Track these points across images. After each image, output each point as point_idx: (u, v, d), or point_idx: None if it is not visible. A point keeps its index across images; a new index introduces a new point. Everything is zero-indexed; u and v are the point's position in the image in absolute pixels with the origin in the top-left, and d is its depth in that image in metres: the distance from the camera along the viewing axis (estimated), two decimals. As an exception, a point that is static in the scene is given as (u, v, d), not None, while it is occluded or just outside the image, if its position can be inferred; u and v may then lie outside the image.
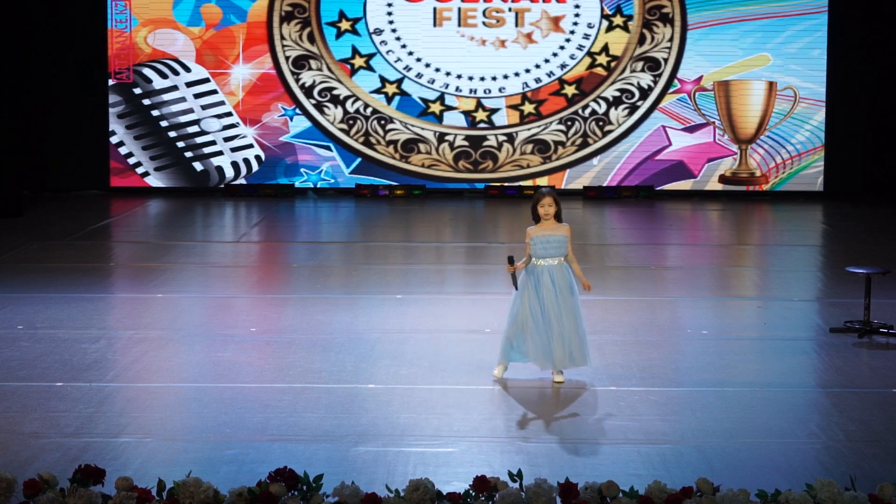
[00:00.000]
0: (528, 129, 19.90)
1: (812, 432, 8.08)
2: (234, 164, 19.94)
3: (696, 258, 15.10)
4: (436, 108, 19.90)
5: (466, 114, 19.91)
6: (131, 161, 19.91)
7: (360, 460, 7.48)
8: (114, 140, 19.86)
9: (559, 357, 9.03)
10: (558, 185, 19.83)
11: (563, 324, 9.00)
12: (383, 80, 19.84)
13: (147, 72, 19.79)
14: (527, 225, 9.21)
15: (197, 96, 19.81)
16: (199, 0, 19.69)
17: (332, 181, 19.98)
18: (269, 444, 7.76)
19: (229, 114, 19.86)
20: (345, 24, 19.79)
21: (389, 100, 19.86)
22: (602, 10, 19.71)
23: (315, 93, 19.84)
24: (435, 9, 19.76)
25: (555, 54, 19.78)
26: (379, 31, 19.78)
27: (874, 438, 7.95)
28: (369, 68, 19.83)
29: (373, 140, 19.92)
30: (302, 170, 19.94)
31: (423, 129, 19.91)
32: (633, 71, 19.78)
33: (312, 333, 10.67)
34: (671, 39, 19.72)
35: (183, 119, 19.89)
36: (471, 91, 19.88)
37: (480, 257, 14.85)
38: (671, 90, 19.78)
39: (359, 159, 19.96)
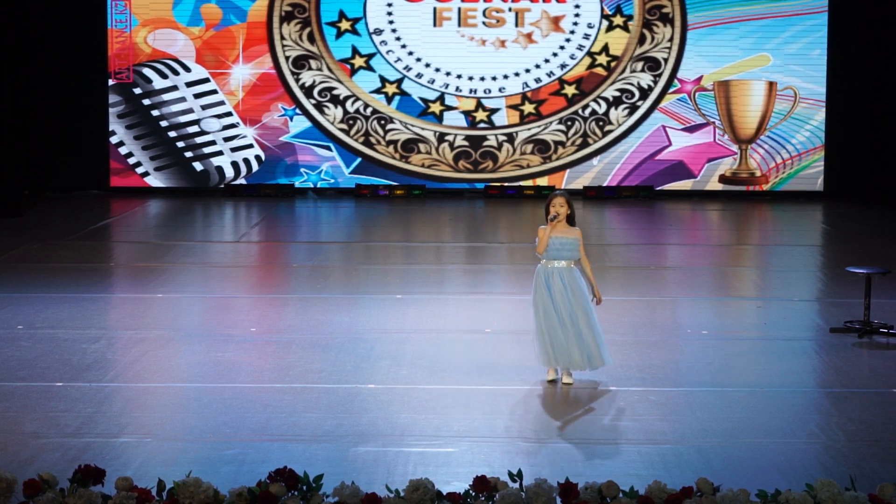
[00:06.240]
0: (528, 129, 19.89)
1: (812, 432, 8.08)
2: (234, 164, 19.94)
3: (696, 258, 15.09)
4: (436, 108, 19.89)
5: (466, 114, 19.91)
6: (131, 161, 19.91)
7: (360, 460, 7.48)
8: (114, 140, 19.87)
9: (577, 360, 9.02)
10: (558, 185, 19.83)
11: (578, 326, 9.00)
12: (383, 80, 19.84)
13: (147, 72, 19.79)
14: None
15: (197, 96, 19.81)
16: (199, 0, 19.69)
17: (332, 181, 19.98)
18: (269, 444, 7.76)
19: (229, 114, 19.86)
20: (345, 24, 19.79)
21: (389, 100, 19.86)
22: (602, 10, 19.71)
23: (315, 93, 19.84)
24: (435, 9, 19.76)
25: (555, 54, 19.77)
26: (379, 31, 19.78)
27: (874, 438, 7.94)
28: (369, 68, 19.83)
29: (373, 140, 19.92)
30: (302, 170, 19.94)
31: (423, 129, 19.91)
32: (633, 71, 19.78)
33: (312, 333, 10.67)
34: (671, 39, 19.71)
35: (183, 119, 19.89)
36: (471, 91, 19.88)
37: (480, 257, 14.83)
38: (671, 90, 19.78)
39: (359, 159, 19.96)
